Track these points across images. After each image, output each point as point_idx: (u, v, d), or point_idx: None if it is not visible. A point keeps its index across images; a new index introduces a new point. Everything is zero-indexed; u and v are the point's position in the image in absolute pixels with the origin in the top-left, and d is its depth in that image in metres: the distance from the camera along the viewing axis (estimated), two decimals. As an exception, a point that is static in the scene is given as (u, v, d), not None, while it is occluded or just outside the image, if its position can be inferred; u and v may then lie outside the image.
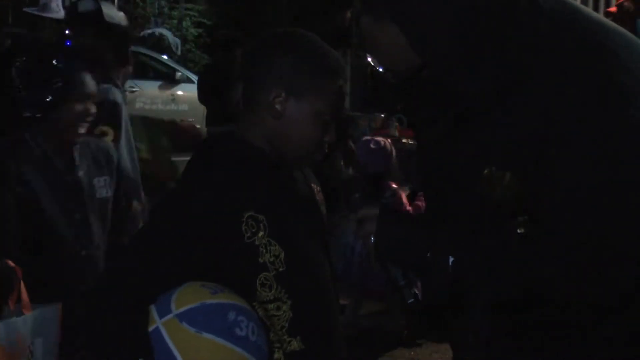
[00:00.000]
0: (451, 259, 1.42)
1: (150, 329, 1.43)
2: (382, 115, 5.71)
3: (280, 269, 1.53)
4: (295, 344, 1.54)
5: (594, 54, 1.39)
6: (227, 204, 1.53)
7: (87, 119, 2.32)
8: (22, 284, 1.85)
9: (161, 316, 1.44)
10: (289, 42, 1.63)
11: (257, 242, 1.52)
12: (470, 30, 1.38)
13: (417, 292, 1.55)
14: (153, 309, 1.45)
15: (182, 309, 1.43)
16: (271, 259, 1.53)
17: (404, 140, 5.30)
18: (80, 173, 2.35)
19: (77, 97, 2.27)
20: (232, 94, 1.66)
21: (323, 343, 1.60)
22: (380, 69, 1.51)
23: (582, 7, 1.54)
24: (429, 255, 1.45)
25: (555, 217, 1.40)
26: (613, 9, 6.68)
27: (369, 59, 1.51)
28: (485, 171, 1.44)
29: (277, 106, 1.57)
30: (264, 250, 1.52)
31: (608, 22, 1.51)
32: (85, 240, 2.33)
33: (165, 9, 16.58)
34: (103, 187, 2.41)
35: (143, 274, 1.51)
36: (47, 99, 2.22)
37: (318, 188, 1.78)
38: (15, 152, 2.26)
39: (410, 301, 1.54)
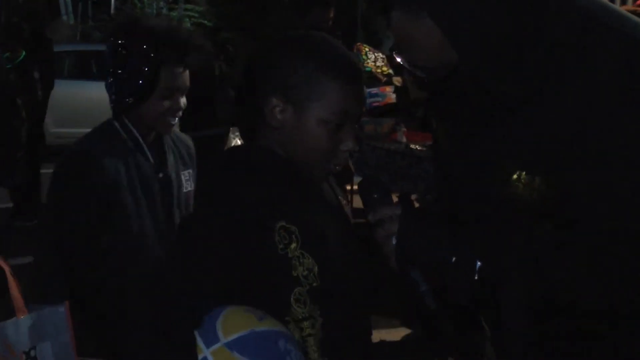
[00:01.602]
0: (478, 264, 1.38)
1: (198, 358, 1.34)
2: (390, 120, 5.62)
3: (314, 284, 1.45)
4: None
5: (623, 48, 1.37)
6: (258, 215, 1.44)
7: (176, 113, 2.19)
8: (16, 285, 1.72)
9: (208, 345, 1.34)
10: (288, 46, 1.52)
11: (290, 255, 1.44)
12: (505, 25, 1.35)
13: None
14: (198, 337, 1.35)
15: (231, 337, 1.34)
16: (304, 273, 1.45)
17: (411, 146, 5.21)
18: (169, 167, 2.22)
19: (163, 91, 2.13)
20: (222, 97, 1.58)
21: None
22: (411, 67, 1.46)
23: (609, 3, 1.52)
24: (454, 259, 1.40)
25: (583, 221, 1.37)
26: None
27: (398, 57, 1.46)
28: (515, 175, 1.41)
29: (278, 116, 1.48)
30: (297, 263, 1.44)
31: (633, 16, 1.49)
32: (167, 239, 2.15)
33: (164, 10, 16.55)
34: (188, 181, 2.28)
35: (182, 294, 1.41)
36: (137, 89, 2.10)
37: (345, 201, 1.69)
38: (107, 144, 2.14)
39: (433, 307, 1.46)
